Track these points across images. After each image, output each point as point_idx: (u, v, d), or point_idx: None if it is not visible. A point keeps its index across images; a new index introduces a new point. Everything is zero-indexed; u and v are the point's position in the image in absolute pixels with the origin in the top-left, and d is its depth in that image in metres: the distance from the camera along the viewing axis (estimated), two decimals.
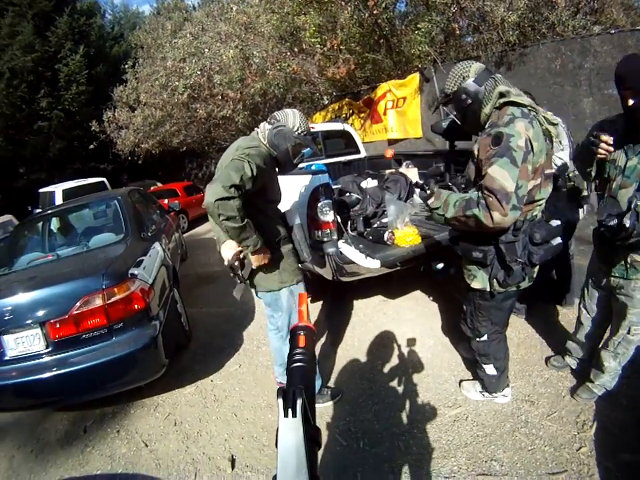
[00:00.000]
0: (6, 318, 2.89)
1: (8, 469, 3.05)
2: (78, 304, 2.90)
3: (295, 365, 0.90)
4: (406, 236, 3.67)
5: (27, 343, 2.93)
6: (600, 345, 2.65)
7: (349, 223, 4.10)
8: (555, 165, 2.84)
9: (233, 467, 2.62)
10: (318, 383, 2.97)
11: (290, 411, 0.75)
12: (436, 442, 2.55)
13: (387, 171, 5.01)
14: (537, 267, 2.28)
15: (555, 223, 2.29)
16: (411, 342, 3.66)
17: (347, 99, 8.99)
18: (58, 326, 2.90)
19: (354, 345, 3.79)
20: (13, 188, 16.13)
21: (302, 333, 0.98)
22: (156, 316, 3.27)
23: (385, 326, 4.00)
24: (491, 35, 6.56)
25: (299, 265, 2.84)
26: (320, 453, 2.48)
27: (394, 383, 3.17)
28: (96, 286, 2.95)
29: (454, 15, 6.71)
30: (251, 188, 2.26)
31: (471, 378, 3.04)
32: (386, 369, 3.36)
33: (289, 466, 0.73)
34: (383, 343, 3.74)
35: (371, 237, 3.90)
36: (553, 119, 2.08)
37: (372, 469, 2.43)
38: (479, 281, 2.34)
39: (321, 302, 4.72)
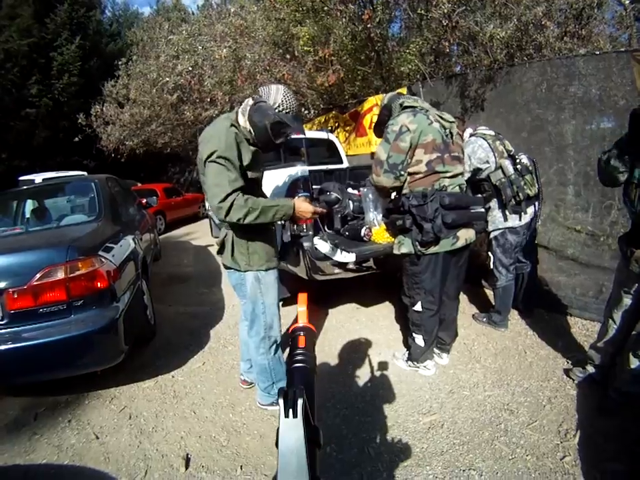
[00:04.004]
0: None
1: None
2: (38, 275, 2.72)
3: (295, 365, 0.92)
4: (384, 232, 3.58)
5: None
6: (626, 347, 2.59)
7: (326, 221, 3.99)
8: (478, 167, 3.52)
9: (187, 466, 2.43)
10: (282, 383, 2.77)
11: (291, 411, 0.74)
12: (409, 449, 2.41)
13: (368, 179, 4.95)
14: (456, 230, 2.76)
15: (476, 196, 3.28)
16: (384, 349, 3.56)
17: (333, 112, 8.91)
18: (16, 296, 2.72)
19: (324, 349, 3.65)
20: None
21: (302, 334, 1.01)
22: (119, 299, 3.10)
23: (358, 332, 3.90)
24: (480, 53, 6.59)
25: (275, 253, 2.69)
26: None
27: (365, 389, 3.04)
28: (59, 258, 2.78)
29: (445, 34, 6.74)
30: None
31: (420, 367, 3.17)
32: (357, 374, 3.23)
33: (289, 466, 0.73)
34: (355, 348, 3.63)
35: (347, 233, 3.82)
36: (447, 118, 2.87)
37: (339, 474, 2.28)
38: (406, 246, 2.85)
39: (294, 306, 4.53)
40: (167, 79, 9.96)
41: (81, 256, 2.85)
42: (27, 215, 4.42)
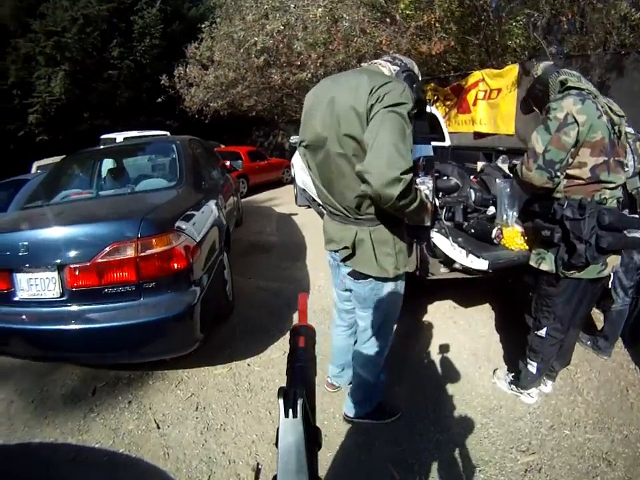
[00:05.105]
0: (21, 254, 2.49)
1: (3, 414, 2.79)
2: (104, 251, 2.45)
3: (295, 365, 0.89)
4: (516, 236, 2.88)
5: (40, 286, 2.54)
6: None
7: (444, 210, 3.17)
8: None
9: (256, 478, 2.15)
10: (375, 400, 2.48)
11: (290, 411, 0.73)
12: None
13: (480, 163, 4.31)
14: (607, 256, 2.27)
15: (633, 215, 2.43)
16: (484, 362, 3.14)
17: (432, 84, 8.39)
18: (77, 273, 2.48)
19: (417, 353, 3.27)
20: (76, 131, 16.29)
21: (302, 334, 0.98)
22: (198, 281, 2.77)
23: (455, 337, 3.46)
24: (603, 33, 5.80)
25: None
26: None
27: (461, 409, 2.65)
28: (130, 233, 2.48)
29: (562, 8, 5.99)
30: None
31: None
32: (453, 390, 2.83)
33: (289, 466, 0.73)
34: (452, 357, 3.20)
35: (472, 231, 3.04)
36: (617, 110, 2.30)
37: None
38: (547, 263, 2.39)
39: None
40: (255, 38, 9.63)
41: (155, 231, 2.53)
42: (99, 178, 4.17)
